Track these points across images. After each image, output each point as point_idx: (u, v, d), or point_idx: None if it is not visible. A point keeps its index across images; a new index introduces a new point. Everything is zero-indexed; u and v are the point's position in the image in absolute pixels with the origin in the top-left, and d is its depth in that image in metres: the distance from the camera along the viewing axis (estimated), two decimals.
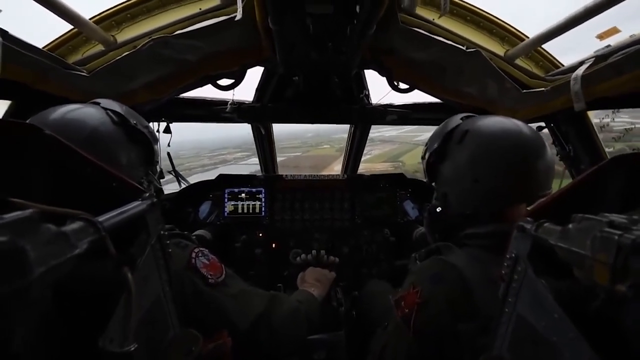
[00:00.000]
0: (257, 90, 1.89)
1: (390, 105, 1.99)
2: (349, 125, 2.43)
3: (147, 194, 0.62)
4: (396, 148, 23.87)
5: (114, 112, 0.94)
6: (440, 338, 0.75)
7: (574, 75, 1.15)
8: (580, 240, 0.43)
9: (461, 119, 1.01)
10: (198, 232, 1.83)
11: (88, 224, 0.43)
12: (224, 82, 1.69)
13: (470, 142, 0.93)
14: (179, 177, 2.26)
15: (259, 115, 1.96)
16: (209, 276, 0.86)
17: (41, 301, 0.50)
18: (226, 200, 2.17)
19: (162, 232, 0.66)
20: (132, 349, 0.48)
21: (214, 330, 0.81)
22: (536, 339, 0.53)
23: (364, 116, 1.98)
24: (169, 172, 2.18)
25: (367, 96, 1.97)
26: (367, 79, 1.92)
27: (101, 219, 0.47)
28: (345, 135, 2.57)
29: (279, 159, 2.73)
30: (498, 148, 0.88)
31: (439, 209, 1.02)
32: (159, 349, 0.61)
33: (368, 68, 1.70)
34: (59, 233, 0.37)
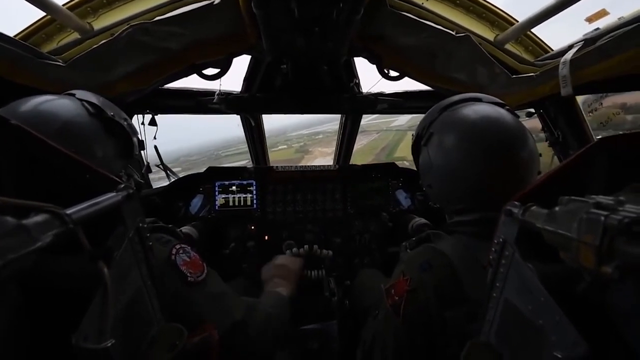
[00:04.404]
0: (245, 79, 1.84)
1: (381, 94, 1.96)
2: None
3: (123, 185, 0.60)
4: (378, 139, 19.73)
5: (89, 103, 0.90)
6: (428, 325, 0.75)
7: (562, 59, 1.14)
8: (567, 222, 0.42)
9: (439, 110, 0.98)
10: (184, 228, 1.77)
11: (53, 217, 0.41)
12: (210, 71, 1.64)
13: (442, 138, 0.91)
14: (167, 170, 2.22)
15: (248, 105, 1.91)
16: (189, 274, 0.83)
17: (4, 295, 0.48)
18: (217, 193, 2.14)
19: (141, 225, 0.63)
20: (109, 344, 0.47)
21: (193, 329, 0.78)
22: (523, 323, 0.52)
23: (354, 105, 1.96)
24: (157, 166, 2.14)
25: (358, 85, 1.93)
26: (357, 67, 1.88)
27: (70, 211, 0.44)
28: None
29: None
30: (470, 139, 0.85)
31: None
32: (140, 344, 0.59)
33: (357, 55, 1.66)
34: (18, 226, 0.35)
